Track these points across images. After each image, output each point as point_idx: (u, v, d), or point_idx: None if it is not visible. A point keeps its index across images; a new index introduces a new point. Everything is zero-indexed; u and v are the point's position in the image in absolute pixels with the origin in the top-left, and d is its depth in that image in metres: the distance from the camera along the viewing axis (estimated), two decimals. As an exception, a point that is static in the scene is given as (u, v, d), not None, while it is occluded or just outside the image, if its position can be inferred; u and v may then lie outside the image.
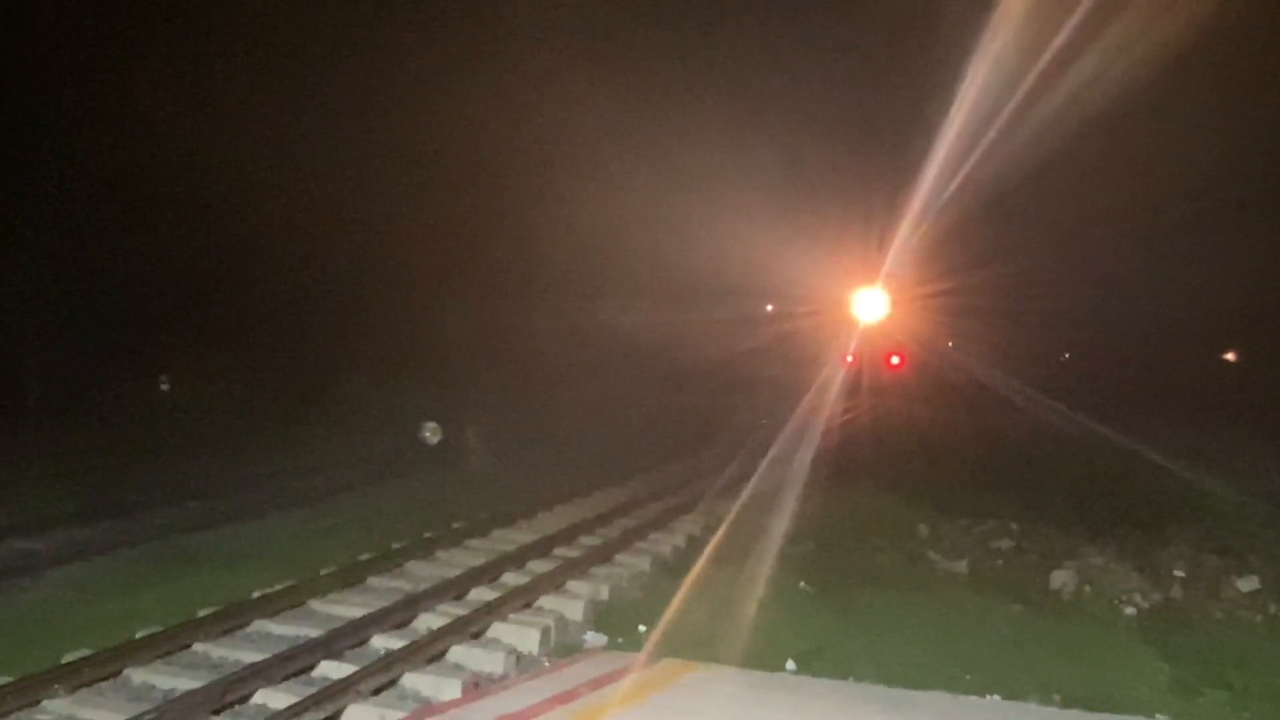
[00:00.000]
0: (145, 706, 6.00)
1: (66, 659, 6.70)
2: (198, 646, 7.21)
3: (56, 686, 6.24)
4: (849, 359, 33.79)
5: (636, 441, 20.34)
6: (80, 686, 6.38)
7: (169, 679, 6.59)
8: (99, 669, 6.56)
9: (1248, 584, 10.33)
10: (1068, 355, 60.51)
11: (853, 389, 33.07)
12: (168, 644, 7.08)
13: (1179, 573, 10.69)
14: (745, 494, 13.15)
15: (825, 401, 23.12)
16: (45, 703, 6.16)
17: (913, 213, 22.08)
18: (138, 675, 6.66)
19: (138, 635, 7.16)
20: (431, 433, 18.11)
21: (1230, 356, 54.33)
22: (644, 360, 31.90)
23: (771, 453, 15.56)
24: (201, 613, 7.76)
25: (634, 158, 28.28)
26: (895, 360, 39.03)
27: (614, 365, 31.42)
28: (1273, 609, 9.79)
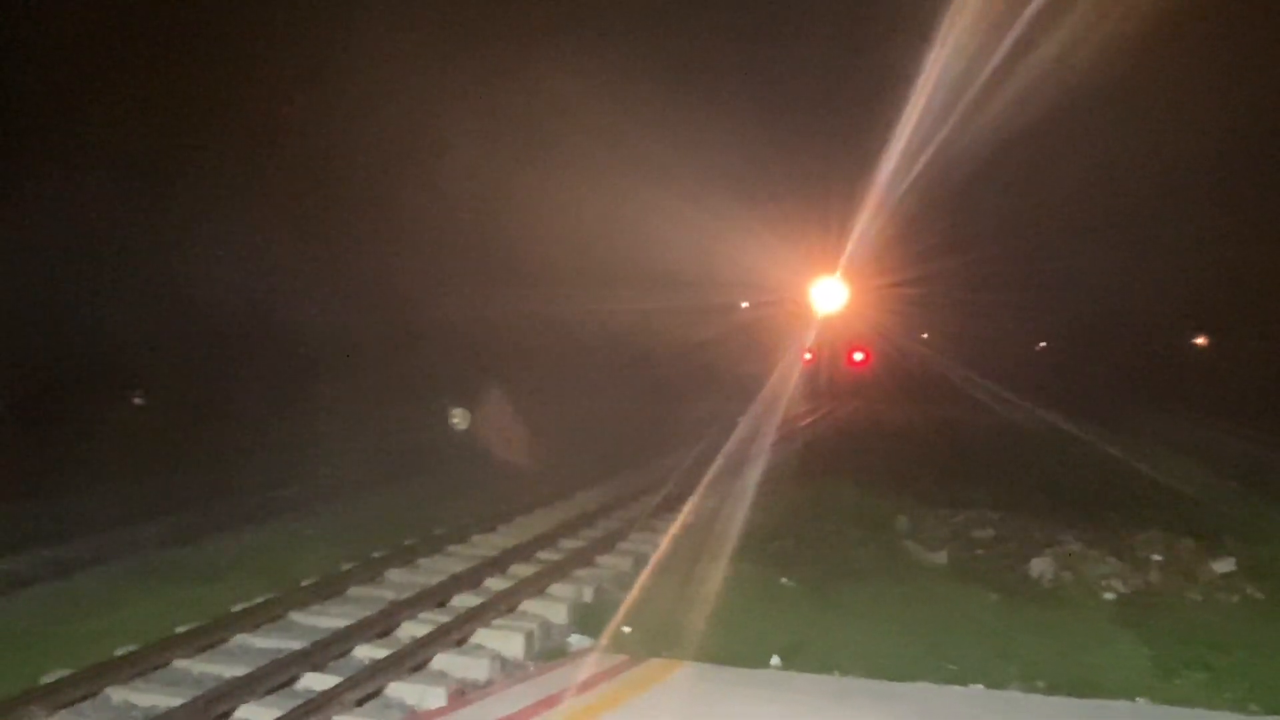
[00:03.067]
0: (126, 725, 5.95)
1: (45, 680, 6.62)
2: (178, 663, 7.13)
3: (35, 708, 6.17)
4: (807, 356, 31.99)
5: (575, 448, 19.59)
6: (60, 707, 6.31)
7: (150, 697, 6.52)
8: (78, 689, 6.48)
9: (1223, 566, 10.46)
10: (1043, 344, 60.97)
11: (811, 389, 31.44)
12: (147, 661, 7.00)
13: (1156, 557, 10.81)
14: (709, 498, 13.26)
15: (779, 405, 22.24)
16: (24, 725, 6.09)
17: (875, 196, 21.24)
18: (118, 694, 6.59)
19: (117, 653, 7.08)
20: (460, 419, 17.72)
21: (1200, 341, 54.93)
22: (577, 354, 30.75)
23: (729, 454, 15.48)
24: (181, 629, 7.69)
25: (589, 145, 28.06)
26: (858, 357, 36.80)
27: (552, 360, 30.44)
28: (1249, 590, 9.92)
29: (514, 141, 29.52)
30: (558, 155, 28.81)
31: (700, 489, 13.71)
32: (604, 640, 8.21)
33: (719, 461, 15.09)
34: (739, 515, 12.60)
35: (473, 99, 29.15)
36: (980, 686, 7.30)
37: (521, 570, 9.98)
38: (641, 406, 27.02)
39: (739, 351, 31.75)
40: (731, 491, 13.68)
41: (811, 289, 30.50)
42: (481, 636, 8.02)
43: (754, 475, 14.63)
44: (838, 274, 28.99)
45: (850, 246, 25.48)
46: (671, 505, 13.29)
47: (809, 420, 26.33)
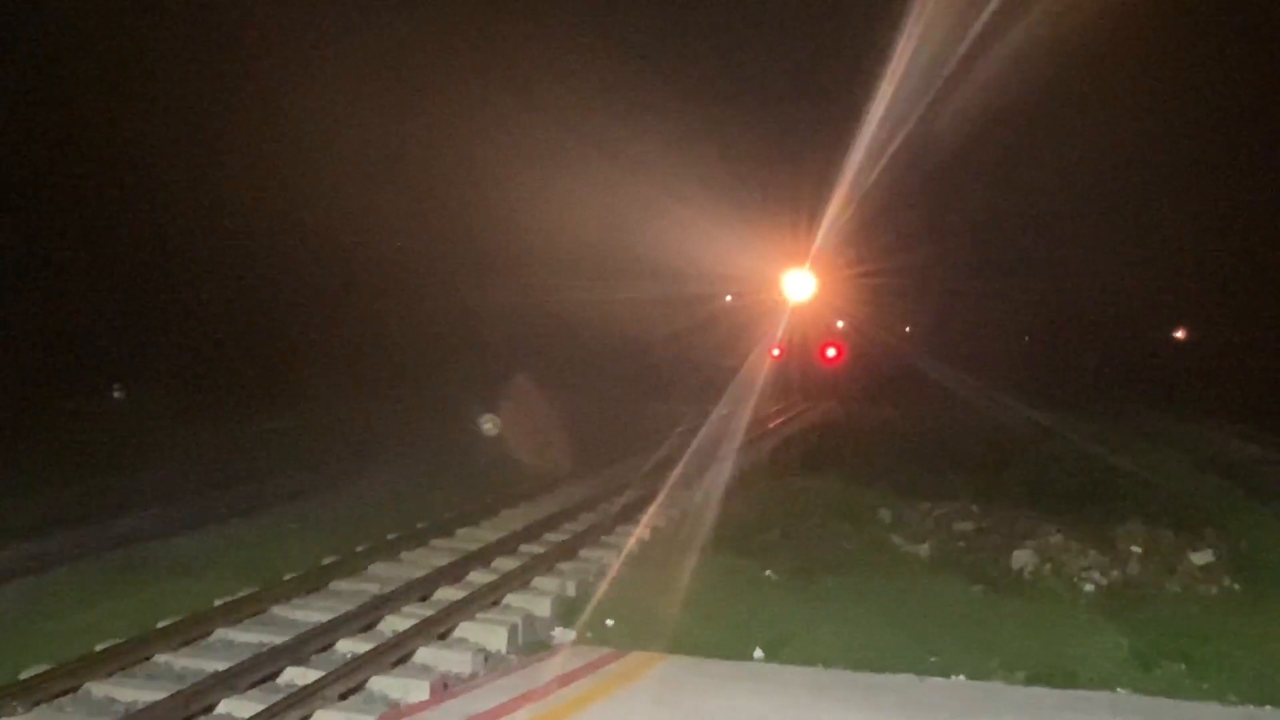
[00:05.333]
0: (107, 720, 5.91)
1: (25, 675, 6.57)
2: (159, 657, 7.10)
3: (15, 704, 6.12)
4: (775, 352, 29.92)
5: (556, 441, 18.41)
6: (40, 702, 6.26)
7: (131, 691, 6.48)
8: (58, 684, 6.43)
9: (1202, 558, 10.53)
10: (1027, 338, 61.12)
11: (780, 389, 29.26)
12: (128, 656, 6.96)
13: (1136, 549, 10.87)
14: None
15: (745, 408, 21.15)
16: (3, 720, 6.05)
17: (847, 182, 20.20)
18: (99, 689, 6.55)
19: (97, 648, 7.03)
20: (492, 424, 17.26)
21: (1180, 334, 55.29)
22: (535, 346, 30.02)
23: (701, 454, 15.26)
24: (162, 623, 7.63)
25: (554, 132, 27.78)
26: (831, 353, 34.25)
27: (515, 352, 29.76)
28: (1227, 581, 10.01)
29: (484, 127, 29.42)
30: (527, 142, 28.64)
31: (682, 485, 13.73)
32: (588, 633, 8.22)
33: (694, 461, 15.01)
34: (722, 509, 12.64)
35: (451, 90, 29.10)
36: (962, 677, 7.34)
37: (505, 564, 9.98)
38: (598, 405, 25.44)
39: (703, 348, 30.38)
40: (710, 487, 13.69)
41: (779, 280, 29.11)
42: (465, 630, 8.01)
43: (725, 475, 14.56)
44: (807, 264, 27.55)
45: (821, 235, 24.13)
46: (656, 500, 13.30)
47: (779, 421, 25.06)
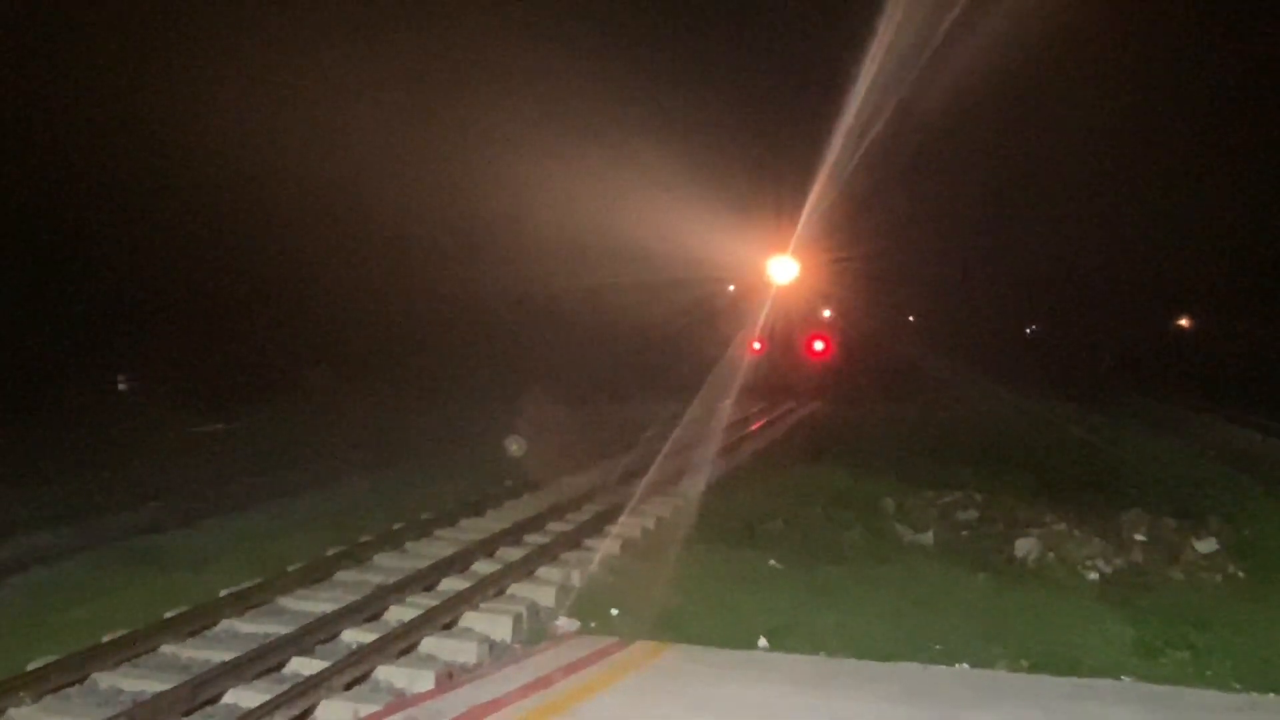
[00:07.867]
0: (114, 711, 5.92)
1: (31, 666, 6.60)
2: (166, 648, 7.12)
3: (23, 694, 6.15)
4: (755, 346, 27.81)
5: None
6: (47, 693, 6.29)
7: (137, 682, 6.50)
8: (65, 675, 6.46)
9: (1206, 546, 10.54)
10: (1033, 328, 61.01)
11: (763, 386, 27.22)
12: (135, 647, 6.98)
13: (1139, 537, 10.88)
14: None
15: (722, 409, 19.84)
16: (11, 711, 6.06)
17: (833, 161, 19.14)
18: (105, 680, 6.57)
19: (104, 639, 7.05)
20: (517, 446, 16.97)
21: (1184, 322, 55.17)
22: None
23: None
24: (168, 614, 7.66)
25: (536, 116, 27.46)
26: (819, 346, 31.90)
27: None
28: (1231, 569, 10.01)
29: (471, 116, 29.32)
30: (504, 127, 28.45)
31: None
32: (592, 623, 8.23)
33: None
34: (725, 499, 12.64)
35: (446, 83, 29.04)
36: (966, 666, 7.35)
37: (510, 554, 9.99)
38: (561, 404, 22.96)
39: (679, 342, 28.62)
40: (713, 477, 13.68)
41: (760, 265, 27.01)
42: (469, 620, 8.02)
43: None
44: (790, 248, 25.40)
45: (806, 216, 22.27)
46: (659, 489, 13.32)
47: (761, 424, 23.15)
